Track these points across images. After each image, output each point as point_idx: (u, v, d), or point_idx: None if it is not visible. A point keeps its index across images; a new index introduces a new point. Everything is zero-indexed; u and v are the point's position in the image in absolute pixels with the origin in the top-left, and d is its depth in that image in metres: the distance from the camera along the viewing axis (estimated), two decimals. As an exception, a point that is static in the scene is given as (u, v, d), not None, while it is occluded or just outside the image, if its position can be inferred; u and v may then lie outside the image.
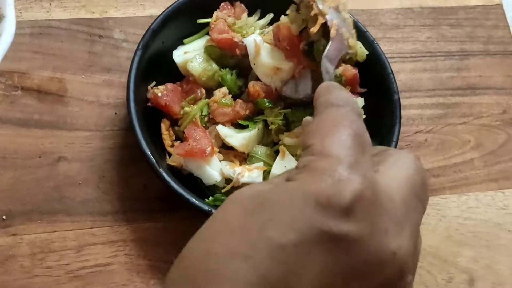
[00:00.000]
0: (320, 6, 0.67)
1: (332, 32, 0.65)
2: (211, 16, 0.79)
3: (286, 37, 0.72)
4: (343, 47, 0.66)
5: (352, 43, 0.67)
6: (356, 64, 0.81)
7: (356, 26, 0.81)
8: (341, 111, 0.45)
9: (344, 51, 0.66)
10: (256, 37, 0.75)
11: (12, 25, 0.62)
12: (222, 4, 0.80)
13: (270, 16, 0.82)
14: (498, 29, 0.98)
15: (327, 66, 0.62)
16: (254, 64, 0.75)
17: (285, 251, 0.37)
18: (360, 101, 0.80)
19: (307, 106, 0.74)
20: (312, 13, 0.68)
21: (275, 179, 0.45)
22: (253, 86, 0.75)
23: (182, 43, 0.81)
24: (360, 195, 0.38)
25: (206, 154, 0.72)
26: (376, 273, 0.39)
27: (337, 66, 0.66)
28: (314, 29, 0.67)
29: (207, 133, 0.74)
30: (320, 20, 0.67)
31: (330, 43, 0.64)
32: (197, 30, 0.81)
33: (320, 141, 0.41)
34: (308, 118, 0.52)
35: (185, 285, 0.38)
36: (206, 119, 0.75)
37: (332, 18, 0.67)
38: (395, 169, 0.44)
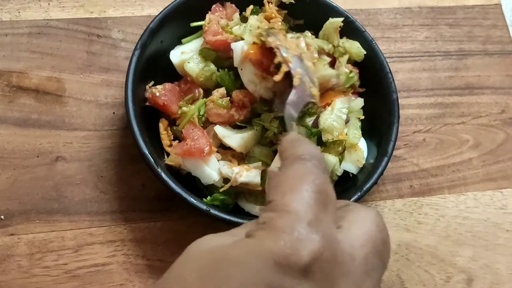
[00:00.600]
0: (284, 54, 0.68)
1: (295, 80, 0.66)
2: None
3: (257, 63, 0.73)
4: (306, 96, 0.66)
5: (315, 92, 0.68)
6: (354, 63, 0.81)
7: (354, 25, 0.82)
8: (307, 165, 0.44)
9: (307, 100, 0.66)
10: (244, 43, 0.75)
11: None
12: (214, 6, 0.80)
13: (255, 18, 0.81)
14: (496, 28, 0.98)
15: (290, 112, 0.63)
16: (241, 69, 0.75)
17: None
18: (359, 101, 0.80)
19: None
20: (276, 60, 0.68)
21: (236, 231, 0.44)
22: (236, 94, 0.75)
23: (181, 43, 0.80)
24: (318, 255, 0.37)
25: (204, 154, 0.72)
26: None
27: (301, 118, 0.67)
28: (278, 77, 0.67)
29: (205, 133, 0.73)
30: (284, 68, 0.67)
31: (293, 91, 0.65)
32: (195, 29, 0.81)
33: (281, 197, 0.41)
34: (272, 169, 0.51)
35: None
36: (203, 119, 0.75)
37: (295, 67, 0.68)
38: (357, 227, 0.43)
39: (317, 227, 0.39)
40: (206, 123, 0.76)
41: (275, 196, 0.41)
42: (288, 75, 0.67)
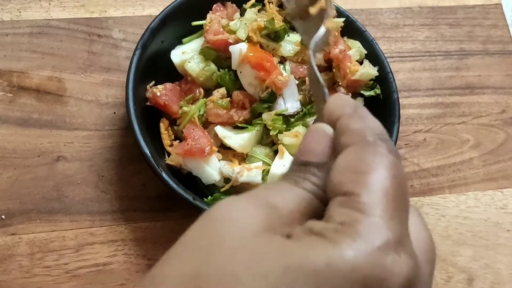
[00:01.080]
0: None
1: (326, 22, 0.58)
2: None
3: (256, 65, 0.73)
4: (327, 40, 0.59)
5: (330, 24, 0.61)
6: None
7: (355, 25, 0.82)
8: (387, 156, 0.35)
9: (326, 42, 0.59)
10: (243, 46, 0.75)
11: None
12: (214, 6, 0.80)
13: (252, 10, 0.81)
14: (497, 28, 0.99)
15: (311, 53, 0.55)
16: (241, 72, 0.75)
17: None
18: (360, 101, 0.80)
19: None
20: None
21: (298, 231, 0.34)
22: (237, 95, 0.75)
23: (181, 43, 0.80)
24: (409, 279, 0.31)
25: (205, 154, 0.72)
26: None
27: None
28: (314, 11, 0.60)
29: (206, 133, 0.73)
30: (321, 3, 0.60)
31: (322, 28, 0.57)
32: (196, 29, 0.81)
33: (366, 193, 0.33)
34: (321, 126, 0.40)
35: None
36: (203, 119, 0.75)
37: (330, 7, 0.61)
38: (420, 235, 0.36)
39: (405, 244, 0.32)
40: (207, 123, 0.76)
41: (356, 189, 0.33)
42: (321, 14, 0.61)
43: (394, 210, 0.33)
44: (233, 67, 0.76)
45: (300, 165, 0.37)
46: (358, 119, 0.37)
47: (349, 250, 0.30)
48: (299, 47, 0.80)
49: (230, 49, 0.75)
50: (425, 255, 0.35)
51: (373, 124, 0.37)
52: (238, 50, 0.75)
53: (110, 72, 0.83)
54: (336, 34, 0.80)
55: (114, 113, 0.81)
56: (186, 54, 0.78)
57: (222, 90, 0.76)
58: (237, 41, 0.77)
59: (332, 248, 0.31)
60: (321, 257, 0.30)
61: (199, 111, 0.75)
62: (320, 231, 0.32)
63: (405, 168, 0.85)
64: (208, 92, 0.77)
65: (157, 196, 0.77)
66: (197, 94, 0.76)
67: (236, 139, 0.75)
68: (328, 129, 0.38)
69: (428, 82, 0.92)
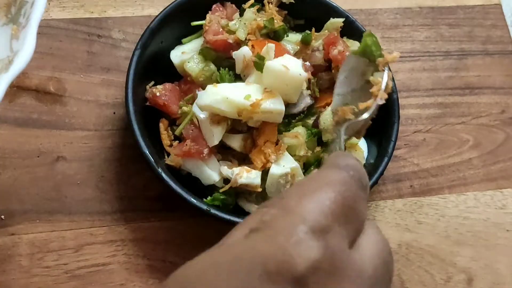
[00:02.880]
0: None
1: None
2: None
3: None
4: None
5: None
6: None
7: (354, 25, 0.82)
8: (341, 175, 0.39)
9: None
10: (246, 51, 0.75)
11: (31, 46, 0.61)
12: (214, 6, 0.80)
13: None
14: (496, 28, 0.99)
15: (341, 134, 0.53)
16: (244, 75, 0.76)
17: None
18: (359, 101, 0.80)
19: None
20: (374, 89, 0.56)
21: (235, 232, 0.39)
22: None
23: (181, 43, 0.81)
24: (317, 265, 0.33)
25: (204, 155, 0.72)
26: None
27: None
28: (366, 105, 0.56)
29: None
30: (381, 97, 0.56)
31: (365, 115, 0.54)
32: (196, 29, 0.81)
33: (294, 197, 0.37)
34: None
35: None
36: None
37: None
38: (370, 248, 0.38)
39: (324, 236, 0.34)
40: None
41: (288, 195, 0.37)
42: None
43: (323, 213, 0.35)
44: (237, 71, 0.76)
45: None
46: (334, 156, 0.43)
47: (257, 242, 0.34)
48: (298, 47, 0.80)
49: (233, 55, 0.75)
50: (375, 259, 0.38)
51: (341, 159, 0.42)
52: (242, 54, 0.75)
53: (109, 72, 0.83)
54: (336, 34, 0.80)
55: (114, 113, 0.81)
56: (186, 54, 0.78)
57: None
58: (237, 41, 0.77)
59: (245, 244, 0.34)
60: (232, 254, 0.34)
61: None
62: (247, 233, 0.36)
63: (405, 168, 0.86)
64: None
65: (156, 197, 0.77)
66: (197, 94, 0.76)
67: (236, 139, 0.75)
68: None
69: (427, 82, 0.92)
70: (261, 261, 0.32)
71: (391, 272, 0.40)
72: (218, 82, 0.76)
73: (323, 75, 0.81)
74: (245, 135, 0.75)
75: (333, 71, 0.80)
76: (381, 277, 0.37)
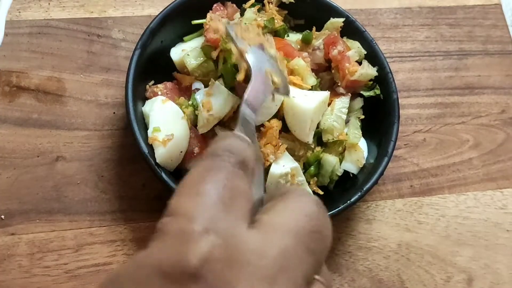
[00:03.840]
0: (240, 45, 0.65)
1: (252, 76, 0.61)
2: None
3: None
4: (267, 89, 0.62)
5: (277, 80, 0.64)
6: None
7: (354, 25, 0.82)
8: (215, 161, 0.39)
9: (269, 93, 0.62)
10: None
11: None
12: (215, 5, 0.80)
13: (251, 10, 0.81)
14: (496, 28, 0.98)
15: (245, 112, 0.52)
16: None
17: None
18: (359, 101, 0.80)
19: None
20: (234, 58, 0.67)
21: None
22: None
23: (181, 41, 0.80)
24: (208, 256, 0.33)
25: (194, 155, 0.72)
26: None
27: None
28: (240, 77, 0.66)
29: (198, 133, 0.73)
30: (243, 66, 0.65)
31: (249, 86, 0.58)
32: (195, 29, 0.81)
33: (176, 200, 0.37)
34: None
35: None
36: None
37: (254, 59, 0.64)
38: (278, 219, 0.38)
39: (213, 226, 0.35)
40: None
41: (172, 200, 0.37)
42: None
43: (206, 206, 0.36)
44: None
45: None
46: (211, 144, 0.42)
47: (153, 250, 0.34)
48: (299, 46, 0.80)
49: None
50: (282, 239, 0.36)
51: (216, 145, 0.41)
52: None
53: (109, 72, 0.83)
54: (336, 34, 0.80)
55: (114, 113, 0.81)
56: (186, 52, 0.78)
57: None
58: None
59: (143, 254, 0.35)
60: (134, 265, 0.35)
61: (195, 108, 0.75)
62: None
63: (405, 168, 0.85)
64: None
65: (156, 196, 0.77)
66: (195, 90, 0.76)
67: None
68: None
69: (427, 82, 0.92)
70: (157, 265, 0.33)
71: (324, 241, 0.40)
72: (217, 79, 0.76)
73: (324, 75, 0.81)
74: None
75: (333, 71, 0.80)
76: (299, 250, 0.37)
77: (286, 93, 0.69)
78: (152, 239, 0.36)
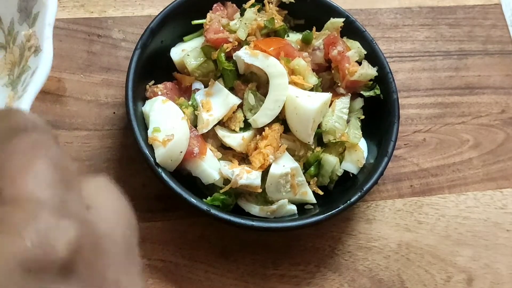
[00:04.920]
0: None
1: None
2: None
3: None
4: None
5: None
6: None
7: (354, 25, 0.82)
8: (32, 137, 0.33)
9: None
10: (243, 54, 0.75)
11: (48, 61, 0.62)
12: (215, 5, 0.80)
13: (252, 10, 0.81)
14: (496, 28, 0.98)
15: None
16: (246, 74, 0.77)
17: None
18: (359, 101, 0.81)
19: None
20: None
21: None
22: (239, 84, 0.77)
23: (181, 41, 0.81)
24: (78, 245, 0.30)
25: (194, 155, 0.72)
26: None
27: None
28: None
29: (197, 133, 0.74)
30: None
31: None
32: (195, 29, 0.81)
33: (11, 184, 0.30)
34: None
35: None
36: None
37: None
38: (104, 203, 0.36)
39: (67, 211, 0.31)
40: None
41: (2, 183, 0.31)
42: None
43: (49, 187, 0.31)
44: (240, 71, 0.76)
45: None
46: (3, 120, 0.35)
47: (3, 245, 0.28)
48: (299, 46, 0.80)
49: (234, 56, 0.75)
50: (119, 224, 0.35)
51: (16, 118, 0.35)
52: (242, 55, 0.75)
53: (109, 72, 0.83)
54: (336, 34, 0.80)
55: (114, 113, 0.81)
56: (186, 52, 0.78)
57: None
58: (237, 40, 0.77)
59: None
60: None
61: (194, 108, 0.75)
62: None
63: (405, 168, 0.86)
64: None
65: (156, 196, 0.77)
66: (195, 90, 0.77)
67: (236, 138, 0.75)
68: None
69: (427, 82, 0.92)
70: (17, 263, 0.28)
71: (134, 223, 0.38)
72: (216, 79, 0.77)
73: (324, 75, 0.81)
74: (245, 135, 0.75)
75: (333, 71, 0.80)
76: (129, 236, 0.36)
77: None
78: None
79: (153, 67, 0.77)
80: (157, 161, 0.70)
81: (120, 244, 0.34)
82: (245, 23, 0.77)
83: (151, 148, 0.71)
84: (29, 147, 0.32)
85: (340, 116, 0.77)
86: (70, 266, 0.29)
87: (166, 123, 0.72)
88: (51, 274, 0.28)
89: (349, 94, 0.79)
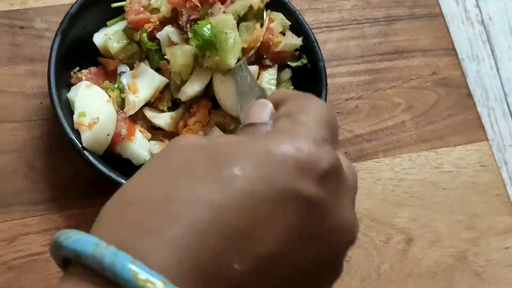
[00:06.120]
0: None
1: None
2: (127, -1, 0.79)
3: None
4: None
5: None
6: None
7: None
8: (315, 98, 0.44)
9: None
10: (169, 31, 0.75)
11: None
12: None
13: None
14: (423, -8, 0.99)
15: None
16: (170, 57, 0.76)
17: (255, 204, 0.35)
18: (287, 72, 0.81)
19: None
20: None
21: (231, 138, 0.41)
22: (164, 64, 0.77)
23: (105, 26, 0.80)
24: (334, 168, 0.37)
25: (122, 137, 0.72)
26: (332, 242, 0.39)
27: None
28: None
29: (124, 115, 0.73)
30: None
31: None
32: (119, 13, 0.80)
33: (296, 110, 0.41)
34: (262, 101, 0.47)
35: (136, 229, 0.34)
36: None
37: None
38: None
39: (329, 144, 0.39)
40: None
41: (290, 109, 0.41)
42: None
43: (322, 126, 0.40)
44: (164, 53, 0.76)
45: (248, 127, 0.44)
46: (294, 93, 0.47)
47: (282, 142, 0.37)
48: None
49: (157, 36, 0.75)
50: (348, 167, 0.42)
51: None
52: (166, 35, 0.74)
53: (34, 63, 0.82)
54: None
55: (41, 103, 0.80)
56: (108, 36, 0.78)
57: None
58: (162, 19, 0.77)
59: (267, 141, 0.38)
60: (255, 148, 0.37)
61: (120, 91, 0.75)
62: (256, 137, 0.41)
63: (339, 136, 0.86)
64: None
65: (90, 182, 0.77)
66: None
67: (164, 118, 0.75)
68: (268, 103, 0.45)
69: (357, 50, 0.93)
70: (293, 158, 0.36)
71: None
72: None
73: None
74: (173, 114, 0.75)
75: (258, 44, 0.80)
76: (354, 187, 0.42)
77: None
78: (269, 135, 0.40)
79: (77, 54, 0.77)
80: (84, 145, 0.70)
81: (351, 182, 0.41)
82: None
83: (78, 133, 0.71)
84: (313, 100, 0.43)
85: (268, 87, 0.78)
86: (325, 178, 0.37)
87: (92, 107, 0.72)
88: (312, 176, 0.36)
89: (276, 65, 0.80)
